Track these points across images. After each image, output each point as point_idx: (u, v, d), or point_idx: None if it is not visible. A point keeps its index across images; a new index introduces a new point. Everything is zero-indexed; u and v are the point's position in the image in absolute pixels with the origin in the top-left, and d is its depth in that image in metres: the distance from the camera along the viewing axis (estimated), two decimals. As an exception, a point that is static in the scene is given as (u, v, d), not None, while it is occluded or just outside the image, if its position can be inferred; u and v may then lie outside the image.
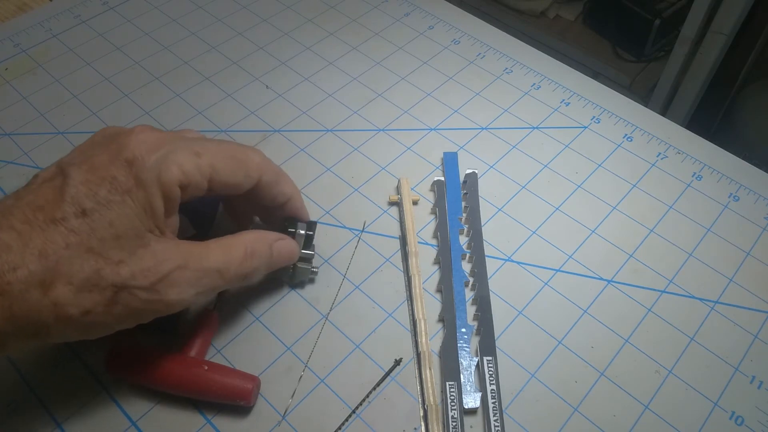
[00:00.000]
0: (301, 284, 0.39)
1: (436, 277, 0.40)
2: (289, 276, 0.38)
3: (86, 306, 0.27)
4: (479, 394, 0.34)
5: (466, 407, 0.34)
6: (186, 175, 0.30)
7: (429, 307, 0.38)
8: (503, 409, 0.34)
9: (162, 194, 0.29)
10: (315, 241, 0.39)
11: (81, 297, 0.27)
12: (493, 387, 0.35)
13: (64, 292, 0.26)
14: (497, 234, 0.42)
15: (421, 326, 0.37)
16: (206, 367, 0.33)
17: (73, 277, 0.26)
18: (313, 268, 0.38)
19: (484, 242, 0.41)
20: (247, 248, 0.32)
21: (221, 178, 0.32)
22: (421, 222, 0.43)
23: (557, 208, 0.43)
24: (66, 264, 0.26)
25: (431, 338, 0.37)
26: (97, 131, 0.32)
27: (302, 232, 0.37)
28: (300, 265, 0.38)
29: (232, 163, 0.32)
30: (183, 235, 0.33)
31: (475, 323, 0.38)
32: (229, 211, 0.40)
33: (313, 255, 0.38)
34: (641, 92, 1.15)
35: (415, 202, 0.43)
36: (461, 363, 0.36)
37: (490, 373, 0.35)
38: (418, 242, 0.41)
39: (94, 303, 0.27)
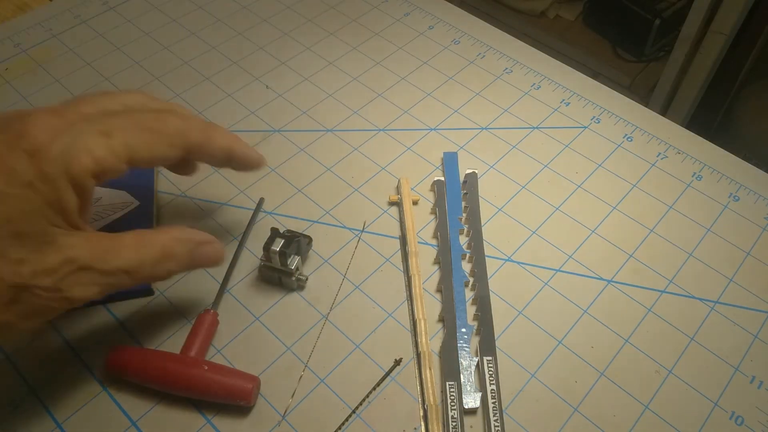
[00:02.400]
0: (286, 289, 0.39)
1: (436, 277, 0.40)
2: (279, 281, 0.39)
3: None
4: (479, 394, 0.34)
5: (466, 407, 0.34)
6: (98, 162, 0.27)
7: (429, 307, 0.38)
8: (503, 409, 0.34)
9: (72, 187, 0.26)
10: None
11: None
12: (493, 387, 0.35)
13: None
14: (497, 234, 0.42)
15: (421, 326, 0.37)
16: (206, 367, 0.33)
17: None
18: (300, 276, 0.38)
19: (484, 242, 0.41)
20: (164, 249, 0.30)
21: (140, 155, 0.29)
22: (421, 222, 0.43)
23: (557, 208, 0.43)
24: None
25: (431, 338, 0.37)
26: None
27: (276, 249, 0.36)
28: (283, 278, 0.38)
29: (148, 135, 0.29)
30: (126, 208, 0.32)
31: (475, 323, 0.38)
32: (174, 171, 0.37)
33: (293, 270, 0.37)
34: (641, 92, 1.15)
35: (415, 202, 0.43)
36: (461, 363, 0.36)
37: (490, 373, 0.35)
38: (418, 242, 0.41)
39: None
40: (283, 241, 0.37)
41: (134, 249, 0.29)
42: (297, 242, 0.38)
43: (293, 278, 0.38)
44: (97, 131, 0.27)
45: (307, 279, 0.39)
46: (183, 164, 0.36)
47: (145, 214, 0.40)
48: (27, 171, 0.25)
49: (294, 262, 0.38)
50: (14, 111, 0.28)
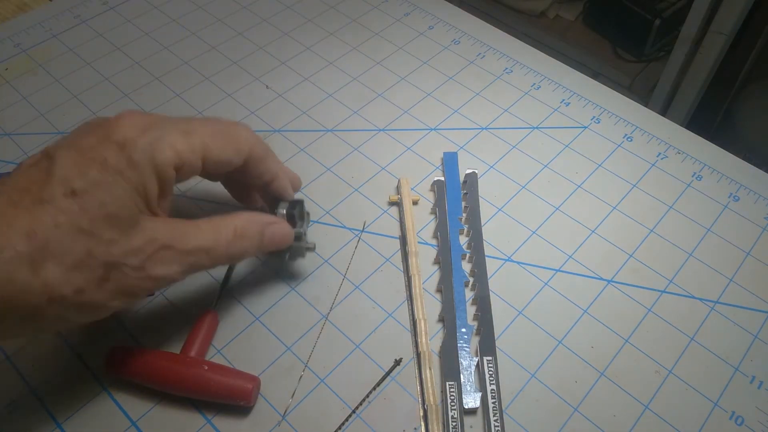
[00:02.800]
0: (294, 258, 0.39)
1: (436, 277, 0.40)
2: (283, 257, 0.38)
3: (78, 284, 0.27)
4: (479, 394, 0.34)
5: (466, 407, 0.34)
6: (180, 155, 0.30)
7: (429, 307, 0.38)
8: (503, 409, 0.34)
9: (156, 176, 0.29)
10: (316, 240, 0.39)
11: (72, 276, 0.26)
12: (493, 387, 0.35)
13: (54, 271, 0.26)
14: (497, 234, 0.42)
15: (421, 326, 0.37)
16: (206, 367, 0.33)
17: (64, 257, 0.26)
18: (308, 245, 0.38)
19: (484, 242, 0.41)
20: (237, 229, 0.32)
21: (213, 155, 0.31)
22: (421, 222, 0.43)
23: (557, 208, 0.43)
24: (56, 243, 0.26)
25: (431, 338, 0.37)
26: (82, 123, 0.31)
27: (283, 211, 0.37)
28: (293, 244, 0.37)
29: (222, 139, 0.32)
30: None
31: (475, 323, 0.38)
32: (230, 190, 0.40)
33: (301, 232, 0.37)
34: (641, 92, 1.15)
35: (415, 202, 0.43)
36: (461, 363, 0.36)
37: (490, 373, 0.35)
38: (418, 242, 0.41)
39: (85, 281, 0.27)
40: (287, 203, 0.37)
41: (210, 230, 0.32)
42: (300, 205, 0.38)
43: (302, 242, 0.37)
44: (180, 130, 0.30)
45: (315, 246, 0.39)
46: (233, 183, 0.39)
47: None
48: (118, 160, 0.28)
49: (302, 225, 0.38)
50: (105, 117, 0.30)
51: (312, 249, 0.39)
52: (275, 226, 0.35)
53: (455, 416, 0.33)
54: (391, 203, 0.43)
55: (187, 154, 0.30)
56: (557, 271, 0.40)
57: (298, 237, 0.37)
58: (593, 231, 0.42)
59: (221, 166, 0.33)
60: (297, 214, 0.38)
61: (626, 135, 0.48)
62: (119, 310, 0.33)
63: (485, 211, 0.43)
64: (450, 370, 0.35)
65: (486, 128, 0.48)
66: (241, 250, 0.33)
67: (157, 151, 0.29)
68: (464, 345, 0.36)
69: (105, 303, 0.28)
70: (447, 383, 0.35)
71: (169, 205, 0.31)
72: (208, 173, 0.34)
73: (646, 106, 0.50)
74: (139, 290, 0.29)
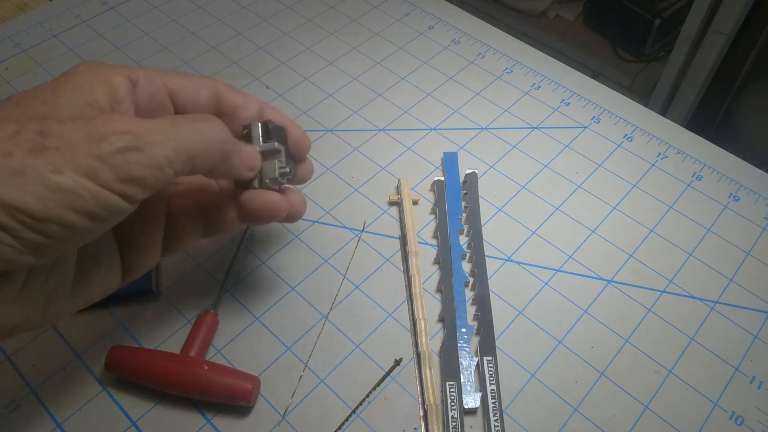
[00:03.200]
0: (264, 186, 0.32)
1: (436, 277, 0.40)
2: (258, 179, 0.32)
3: (7, 148, 0.22)
4: (479, 394, 0.34)
5: (466, 407, 0.34)
6: (131, 71, 0.29)
7: (429, 307, 0.38)
8: (503, 409, 0.34)
9: (104, 83, 0.27)
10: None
11: (2, 143, 0.22)
12: (493, 387, 0.35)
13: None
14: (497, 234, 0.42)
15: (421, 326, 0.37)
16: (206, 367, 0.33)
17: None
18: (281, 168, 0.32)
19: (484, 242, 0.41)
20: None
21: (175, 81, 0.30)
22: (421, 222, 0.43)
23: (557, 208, 0.43)
24: None
25: (431, 338, 0.37)
26: None
27: (257, 125, 0.32)
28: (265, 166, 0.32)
29: (180, 73, 0.31)
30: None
31: (475, 323, 0.38)
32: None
33: (275, 149, 0.32)
34: (641, 92, 1.15)
35: (415, 202, 0.43)
36: (461, 363, 0.36)
37: (490, 373, 0.35)
38: (418, 242, 0.41)
39: (15, 146, 0.22)
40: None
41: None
42: (278, 127, 0.33)
43: (277, 165, 0.32)
44: (127, 66, 0.29)
45: (292, 173, 0.33)
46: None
47: None
48: (65, 78, 0.27)
49: (279, 144, 0.32)
50: None
51: (289, 174, 0.32)
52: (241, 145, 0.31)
53: (455, 416, 0.33)
54: (391, 203, 0.43)
55: (140, 71, 0.29)
56: (557, 271, 0.40)
57: (269, 151, 0.32)
58: (593, 231, 0.42)
59: (189, 93, 0.31)
60: (270, 129, 0.32)
61: (626, 135, 0.48)
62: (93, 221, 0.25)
63: (485, 211, 0.43)
64: (450, 370, 0.35)
65: (486, 128, 0.48)
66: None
67: (104, 66, 0.28)
68: (464, 345, 0.36)
69: (42, 172, 0.22)
70: (447, 383, 0.35)
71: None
72: (185, 110, 0.31)
73: (646, 106, 0.50)
74: (90, 157, 0.23)
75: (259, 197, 0.32)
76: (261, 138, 0.32)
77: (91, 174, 0.23)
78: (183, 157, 0.26)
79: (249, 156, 0.31)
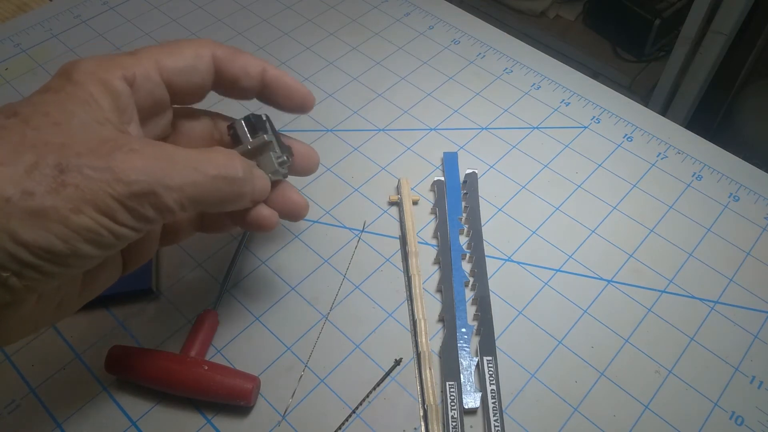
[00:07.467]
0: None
1: (436, 277, 0.40)
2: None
3: (28, 187, 0.23)
4: (479, 394, 0.34)
5: (466, 407, 0.34)
6: (126, 68, 0.28)
7: (429, 307, 0.38)
8: (503, 409, 0.34)
9: (105, 89, 0.27)
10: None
11: (21, 179, 0.23)
12: (493, 387, 0.35)
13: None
14: (497, 234, 0.42)
15: (421, 326, 0.37)
16: (206, 367, 0.33)
17: (5, 162, 0.23)
18: (279, 158, 0.32)
19: (484, 242, 0.41)
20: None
21: (169, 64, 0.29)
22: (421, 222, 0.43)
23: (557, 208, 0.43)
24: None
25: (431, 338, 0.37)
26: None
27: (241, 120, 0.32)
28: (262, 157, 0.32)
29: (173, 46, 0.30)
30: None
31: (475, 323, 0.38)
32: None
33: (266, 141, 0.31)
34: (641, 92, 1.15)
35: (415, 202, 0.43)
36: (461, 363, 0.36)
37: (490, 373, 0.35)
38: (418, 242, 0.41)
39: (36, 184, 0.23)
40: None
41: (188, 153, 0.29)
42: (262, 118, 0.32)
43: (275, 156, 0.32)
44: (126, 54, 0.29)
45: (290, 161, 0.33)
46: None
47: None
48: (60, 83, 0.27)
49: (270, 137, 0.32)
50: None
51: (288, 162, 0.32)
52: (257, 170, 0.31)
53: (455, 416, 0.33)
54: (391, 203, 0.43)
55: (135, 68, 0.28)
56: (557, 271, 0.40)
57: (259, 146, 0.31)
58: (593, 231, 0.42)
59: (187, 75, 0.30)
60: (254, 122, 0.32)
61: (626, 135, 0.48)
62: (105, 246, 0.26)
63: (485, 211, 0.43)
64: (450, 370, 0.35)
65: (486, 128, 0.48)
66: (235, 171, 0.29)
67: (100, 68, 0.28)
68: (464, 345, 0.36)
69: (66, 216, 0.23)
70: (447, 383, 0.35)
71: (138, 131, 0.29)
72: (183, 93, 0.31)
73: (646, 106, 0.50)
74: (106, 198, 0.24)
75: (251, 214, 0.32)
76: (248, 134, 0.32)
77: (109, 214, 0.24)
78: (196, 203, 0.27)
79: (261, 191, 0.31)
